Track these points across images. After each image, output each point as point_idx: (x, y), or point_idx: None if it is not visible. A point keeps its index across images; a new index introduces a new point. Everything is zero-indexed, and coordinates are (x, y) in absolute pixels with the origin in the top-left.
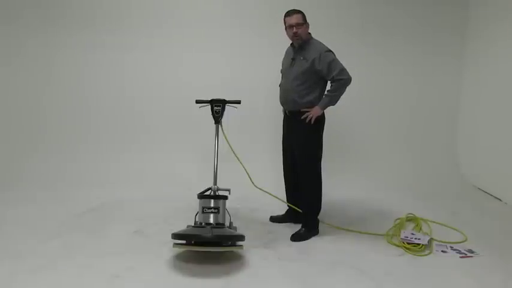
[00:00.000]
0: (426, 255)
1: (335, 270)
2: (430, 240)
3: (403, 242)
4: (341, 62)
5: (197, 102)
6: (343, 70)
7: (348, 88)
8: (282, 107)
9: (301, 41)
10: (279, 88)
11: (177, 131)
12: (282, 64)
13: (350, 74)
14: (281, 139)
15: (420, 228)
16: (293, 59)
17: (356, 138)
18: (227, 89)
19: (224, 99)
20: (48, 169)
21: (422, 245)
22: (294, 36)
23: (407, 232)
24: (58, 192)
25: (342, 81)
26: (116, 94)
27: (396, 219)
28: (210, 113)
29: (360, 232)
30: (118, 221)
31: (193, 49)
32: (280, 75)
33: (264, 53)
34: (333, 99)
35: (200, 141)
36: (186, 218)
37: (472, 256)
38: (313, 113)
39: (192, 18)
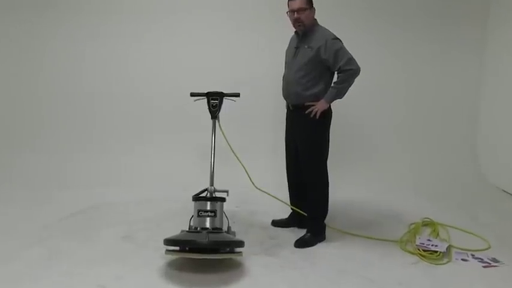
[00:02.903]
0: (444, 264)
1: (342, 280)
2: (449, 248)
3: (419, 249)
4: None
5: (192, 95)
6: (351, 59)
7: (356, 80)
8: (285, 101)
9: (303, 28)
10: (282, 80)
11: (171, 127)
12: (286, 54)
13: (359, 64)
14: (284, 135)
15: (437, 234)
16: (297, 48)
17: (366, 134)
18: (225, 81)
19: (222, 92)
20: (32, 168)
21: (440, 252)
22: (295, 23)
23: (423, 238)
24: (41, 193)
25: (350, 71)
26: (106, 89)
27: (411, 224)
28: (207, 107)
29: (371, 238)
30: (106, 225)
31: (188, 38)
32: (284, 65)
33: (266, 42)
34: (340, 92)
35: (195, 138)
36: (179, 222)
37: (496, 265)
38: (319, 107)
39: (188, 5)
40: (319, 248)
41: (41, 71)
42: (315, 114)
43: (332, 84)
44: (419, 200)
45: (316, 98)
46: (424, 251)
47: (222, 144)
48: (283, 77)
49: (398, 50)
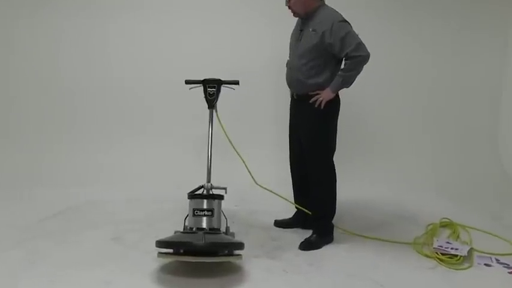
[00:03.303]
0: (465, 269)
1: (351, 285)
2: (470, 251)
3: (437, 253)
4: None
5: (187, 82)
6: (360, 45)
7: (368, 67)
8: (289, 90)
9: (300, 15)
10: (286, 66)
11: (163, 118)
12: (291, 36)
13: (368, 50)
14: (288, 127)
15: (458, 236)
16: (301, 31)
17: (379, 126)
18: (223, 67)
19: (219, 79)
20: (9, 165)
21: (461, 256)
22: (291, 12)
23: (441, 240)
24: (20, 191)
25: (359, 58)
26: (92, 74)
27: (428, 225)
28: (203, 95)
29: (383, 240)
30: (92, 226)
31: (183, 20)
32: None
33: (269, 25)
34: (347, 80)
35: (190, 130)
36: (173, 222)
37: None
38: (323, 96)
39: None
40: (326, 251)
41: (13, 62)
42: (320, 104)
43: (338, 72)
44: (437, 198)
45: (321, 87)
46: (443, 254)
47: (220, 136)
48: (287, 63)
49: (412, 34)
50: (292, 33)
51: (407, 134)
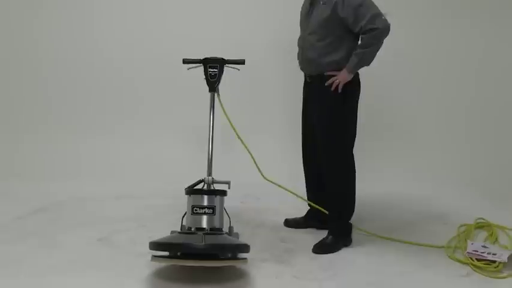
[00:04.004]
0: (504, 277)
1: None
2: (511, 257)
3: (471, 258)
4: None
5: (185, 62)
6: (376, 16)
7: (392, 44)
8: (301, 70)
9: None
10: (297, 44)
11: (158, 103)
12: (301, 13)
13: (392, 23)
14: (300, 114)
15: (496, 239)
16: (311, 4)
17: (405, 114)
18: (226, 44)
19: (222, 59)
20: None
21: (499, 263)
22: None
23: (477, 244)
24: None
25: (376, 31)
26: (76, 54)
27: (460, 226)
28: (203, 77)
29: (409, 243)
30: (76, 226)
31: None
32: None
33: None
34: (365, 58)
35: (189, 117)
36: (169, 221)
37: None
38: (340, 78)
39: None
40: (343, 255)
41: None
42: (336, 88)
43: (355, 50)
44: (472, 196)
45: (337, 66)
46: (478, 260)
47: (223, 124)
48: (298, 41)
49: (443, 7)
50: (301, 8)
51: (437, 123)
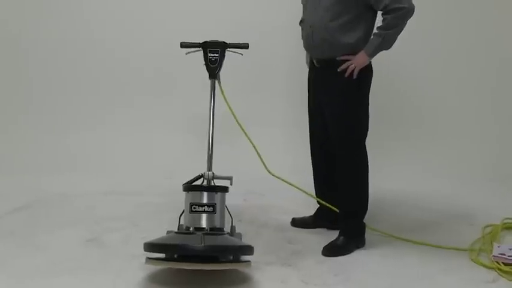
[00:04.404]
0: None
1: None
2: None
3: (498, 262)
4: None
5: (183, 46)
6: None
7: (413, 26)
8: (307, 55)
9: None
10: (300, 25)
11: (152, 91)
12: None
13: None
14: (307, 103)
15: None
16: None
17: (424, 102)
18: (227, 27)
19: (224, 42)
20: None
21: None
22: None
23: (504, 247)
24: None
25: (402, 11)
26: (64, 35)
27: (486, 227)
28: (203, 62)
29: (428, 245)
30: (63, 225)
31: None
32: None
33: None
34: (387, 41)
35: (187, 106)
36: (165, 220)
37: None
38: (357, 62)
39: None
40: (356, 257)
41: None
42: (351, 73)
43: (375, 30)
44: (499, 193)
45: (352, 49)
46: (505, 264)
47: (224, 114)
48: (302, 21)
49: None
50: None
51: (460, 112)
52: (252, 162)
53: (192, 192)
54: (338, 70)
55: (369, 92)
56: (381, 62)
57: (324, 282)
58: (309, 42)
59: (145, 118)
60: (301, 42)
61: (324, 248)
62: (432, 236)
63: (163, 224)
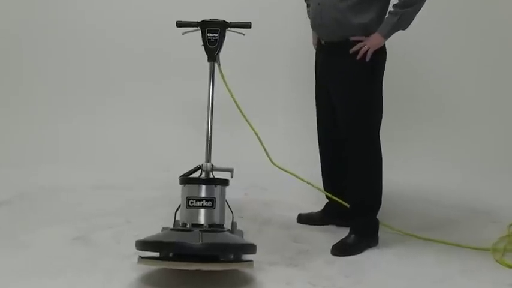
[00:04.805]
0: None
1: None
2: None
3: None
4: None
5: (180, 25)
6: None
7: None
8: (314, 35)
9: None
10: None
11: (146, 76)
12: None
13: None
14: (314, 88)
15: None
16: None
17: (441, 87)
18: (228, 4)
19: (224, 21)
20: None
21: None
22: None
23: None
24: None
25: None
26: (48, 16)
27: (511, 225)
28: (201, 43)
29: (448, 243)
30: (48, 221)
31: None
32: None
33: None
34: (404, 20)
35: (184, 92)
36: (160, 215)
37: None
38: (370, 43)
39: None
40: (368, 257)
41: None
42: (364, 55)
43: (391, 9)
44: None
45: (365, 30)
46: None
47: (224, 100)
48: None
49: None
50: None
51: (482, 99)
52: (255, 153)
53: (189, 185)
54: (349, 52)
55: (382, 77)
56: (396, 43)
57: (333, 284)
58: (317, 21)
59: (138, 105)
60: (308, 21)
61: (333, 246)
62: (451, 234)
63: (158, 220)
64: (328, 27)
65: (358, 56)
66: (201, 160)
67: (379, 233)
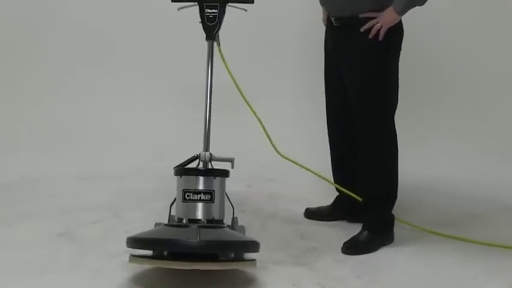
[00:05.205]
0: None
1: None
2: None
3: None
4: None
5: (175, 0)
6: None
7: None
8: (324, 11)
9: None
10: None
11: (140, 56)
12: None
13: None
14: (323, 70)
15: None
16: None
17: (456, 68)
18: None
19: None
20: None
21: None
22: None
23: None
24: None
25: None
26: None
27: None
28: (199, 20)
29: (470, 241)
30: (28, 216)
31: None
32: None
33: None
34: None
35: (180, 73)
36: (153, 209)
37: None
38: (383, 20)
39: None
40: (383, 256)
41: None
42: (377, 34)
43: None
44: None
45: (379, 4)
46: None
47: (225, 83)
48: None
49: None
50: None
51: (508, 79)
52: (258, 141)
53: (186, 176)
54: (361, 30)
55: (398, 57)
56: (412, 20)
57: (344, 285)
58: None
59: (129, 87)
60: None
61: (344, 244)
62: (474, 230)
63: (151, 214)
64: (337, 2)
65: (371, 35)
66: (198, 149)
67: (395, 230)
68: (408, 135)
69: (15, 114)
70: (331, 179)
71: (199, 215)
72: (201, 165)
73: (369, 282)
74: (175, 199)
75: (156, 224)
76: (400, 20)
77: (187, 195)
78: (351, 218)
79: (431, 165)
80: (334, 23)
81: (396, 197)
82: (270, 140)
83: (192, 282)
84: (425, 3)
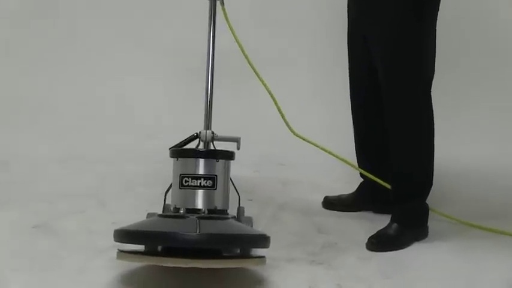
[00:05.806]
0: None
1: None
2: None
3: None
4: None
5: None
6: None
7: None
8: None
9: None
10: None
11: (127, 15)
12: None
13: None
14: (345, 38)
15: None
16: None
17: (504, 32)
18: None
19: None
20: None
21: None
22: None
23: None
24: None
25: None
26: None
27: None
28: None
29: None
30: (2, 205)
31: None
32: None
33: None
34: None
35: (177, 37)
36: (145, 197)
37: None
38: None
39: None
40: (414, 252)
41: None
42: None
43: None
44: None
45: None
46: None
47: (230, 50)
48: None
49: None
50: None
51: None
52: (268, 118)
53: (184, 159)
54: None
55: (436, 20)
56: None
57: (369, 286)
58: None
59: (115, 53)
60: None
61: (369, 239)
62: None
63: (142, 203)
64: None
65: None
66: (198, 127)
67: (429, 223)
68: (448, 113)
69: None
70: (355, 162)
71: (199, 204)
72: (201, 146)
73: (398, 283)
74: (170, 185)
75: (149, 215)
76: None
77: (185, 181)
78: (378, 209)
79: (471, 149)
80: None
81: (432, 184)
82: (282, 116)
83: (190, 282)
84: None
